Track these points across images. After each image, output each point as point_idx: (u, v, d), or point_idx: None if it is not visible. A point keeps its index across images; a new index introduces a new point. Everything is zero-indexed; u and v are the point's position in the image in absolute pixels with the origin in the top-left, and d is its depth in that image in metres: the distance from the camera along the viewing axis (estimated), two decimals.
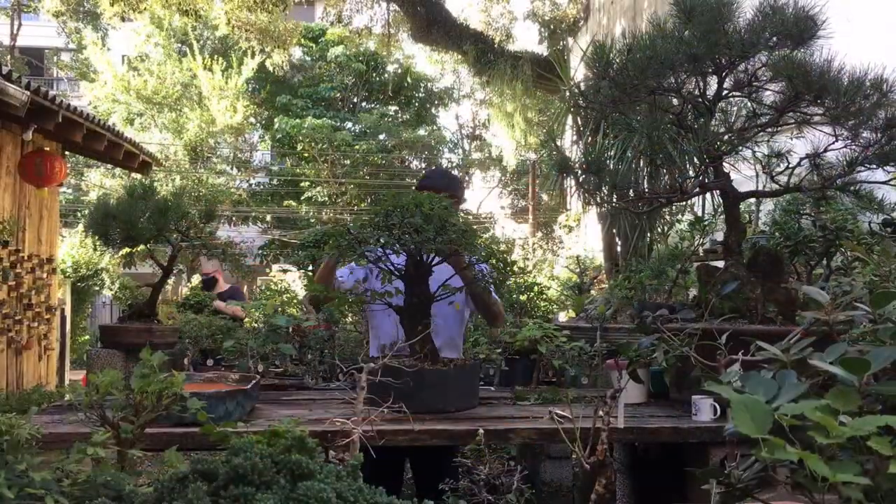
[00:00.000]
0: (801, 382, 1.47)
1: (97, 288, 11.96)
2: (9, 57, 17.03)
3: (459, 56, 11.68)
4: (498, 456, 2.19)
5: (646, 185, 4.10)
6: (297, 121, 19.48)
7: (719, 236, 3.64)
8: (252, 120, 20.48)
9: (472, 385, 2.84)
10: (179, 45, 19.60)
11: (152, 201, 3.91)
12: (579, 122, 5.79)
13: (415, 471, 3.39)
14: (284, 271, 11.54)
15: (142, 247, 4.03)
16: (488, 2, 13.38)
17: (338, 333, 3.87)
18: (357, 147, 19.87)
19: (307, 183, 20.51)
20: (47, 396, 2.86)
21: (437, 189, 3.04)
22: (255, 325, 4.88)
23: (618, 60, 2.78)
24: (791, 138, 2.90)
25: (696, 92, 2.81)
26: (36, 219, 6.96)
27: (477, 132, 24.38)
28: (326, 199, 19.92)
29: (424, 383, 2.53)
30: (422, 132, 22.27)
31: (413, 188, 3.52)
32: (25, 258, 6.62)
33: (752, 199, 4.34)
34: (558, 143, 6.18)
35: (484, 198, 23.81)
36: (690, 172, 3.08)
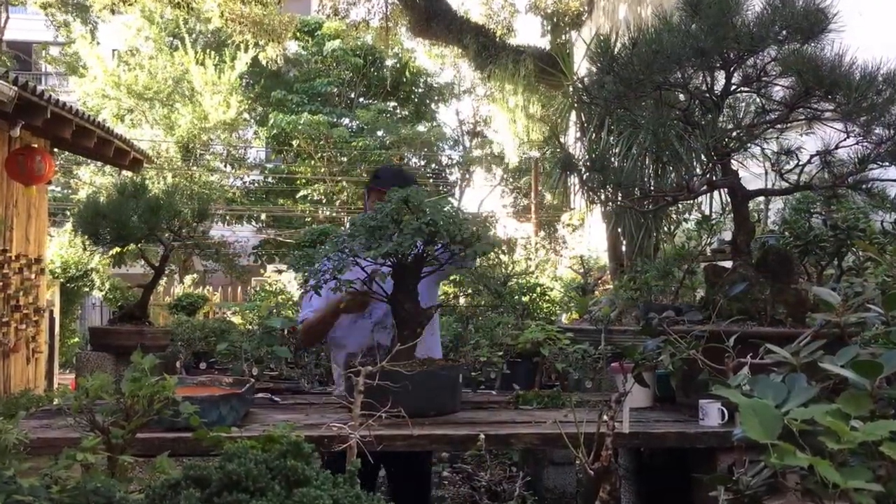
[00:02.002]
0: (811, 386, 1.47)
1: (87, 289, 11.95)
2: None
3: (460, 50, 11.68)
4: (499, 462, 2.20)
5: (651, 184, 4.09)
6: (293, 117, 19.45)
7: (727, 236, 3.65)
8: (246, 116, 20.46)
9: (453, 388, 2.79)
10: (171, 38, 19.59)
11: (143, 200, 3.91)
12: (583, 119, 5.79)
13: (389, 477, 3.35)
14: (279, 272, 11.55)
15: (133, 246, 4.04)
16: None
17: None
18: (354, 144, 19.85)
19: (303, 181, 20.51)
20: (35, 400, 2.85)
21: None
22: (250, 327, 4.89)
23: (622, 55, 2.78)
24: (801, 135, 2.90)
25: (704, 87, 2.81)
26: (24, 218, 6.96)
27: (478, 129, 24.38)
28: (323, 197, 19.93)
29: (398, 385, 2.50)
30: (421, 128, 22.24)
31: (365, 189, 3.53)
32: (13, 258, 6.62)
33: (761, 198, 4.35)
34: (561, 140, 6.19)
35: (485, 196, 23.81)
36: (697, 170, 3.08)
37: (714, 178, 2.88)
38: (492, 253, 2.81)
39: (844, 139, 2.67)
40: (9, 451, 1.71)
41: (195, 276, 15.34)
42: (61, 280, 10.91)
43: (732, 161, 2.84)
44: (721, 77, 2.78)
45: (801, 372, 1.58)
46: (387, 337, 3.01)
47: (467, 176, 24.05)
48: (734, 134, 2.79)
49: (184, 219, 4.06)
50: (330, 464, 1.87)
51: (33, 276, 7.05)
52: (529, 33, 13.87)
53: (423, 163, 22.93)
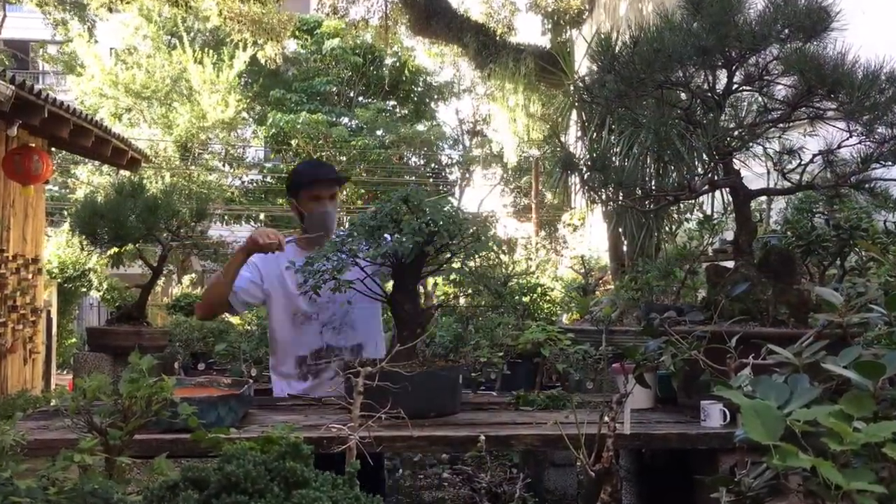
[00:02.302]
0: (813, 387, 1.47)
1: (84, 289, 11.96)
2: None
3: (460, 49, 11.68)
4: (500, 463, 2.20)
5: (653, 183, 4.10)
6: (292, 116, 19.47)
7: (729, 236, 3.65)
8: (244, 115, 20.47)
9: (453, 389, 2.80)
10: (169, 37, 19.59)
11: (141, 199, 3.92)
12: (584, 118, 5.80)
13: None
14: None
15: (130, 246, 4.04)
16: None
17: None
18: (354, 143, 19.86)
19: None
20: (33, 401, 2.86)
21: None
22: (248, 327, 4.88)
23: (624, 53, 2.78)
24: (803, 134, 2.90)
25: (705, 86, 2.81)
26: (21, 217, 6.96)
27: (478, 128, 24.38)
28: None
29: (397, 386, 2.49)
30: (421, 128, 22.26)
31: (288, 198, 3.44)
32: (10, 258, 6.62)
33: (763, 198, 4.35)
34: (562, 139, 6.19)
35: (485, 196, 23.82)
36: (699, 169, 3.08)
37: (716, 177, 2.88)
38: (492, 253, 2.79)
39: (847, 138, 2.67)
40: (6, 452, 1.71)
41: (193, 276, 15.35)
42: (59, 280, 10.92)
43: (734, 160, 2.83)
44: (723, 76, 2.78)
45: (804, 373, 1.58)
46: (337, 338, 2.98)
47: (467, 175, 24.05)
48: (736, 133, 2.79)
49: (182, 218, 4.06)
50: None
51: (30, 276, 7.05)
52: (530, 32, 13.87)
53: (422, 162, 22.93)
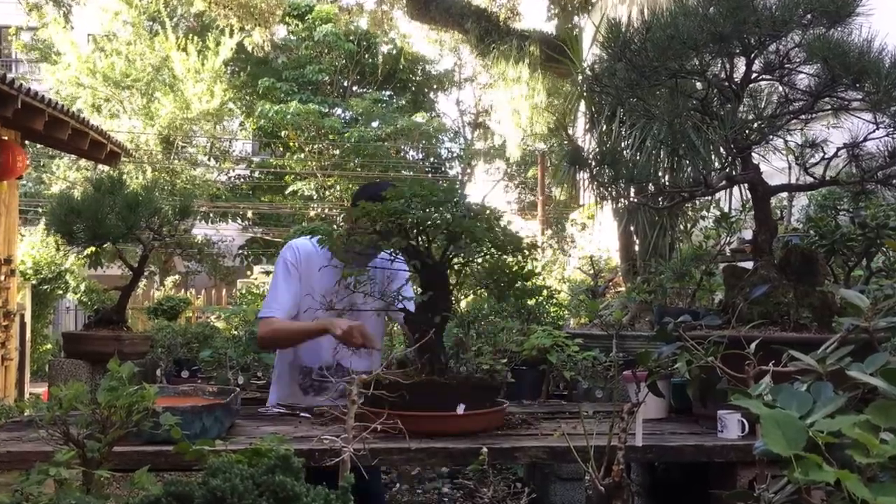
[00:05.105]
0: (838, 396, 1.47)
1: (60, 291, 11.97)
2: None
3: (460, 35, 11.70)
4: (503, 477, 2.20)
5: (666, 178, 4.10)
6: (281, 106, 19.47)
7: (748, 234, 3.65)
8: (231, 106, 20.48)
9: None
10: (150, 22, 19.61)
11: (121, 196, 3.91)
12: (592, 109, 5.80)
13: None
14: (267, 273, 11.57)
15: (109, 246, 4.04)
16: None
17: None
18: (347, 135, 19.86)
19: (292, 176, 20.52)
20: (5, 411, 2.86)
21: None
22: (235, 332, 4.89)
23: (635, 40, 2.79)
24: (827, 126, 2.90)
25: (723, 75, 2.82)
26: None
27: (480, 119, 24.39)
28: (313, 193, 19.94)
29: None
30: (419, 119, 22.27)
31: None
32: None
33: (784, 194, 4.35)
34: (570, 132, 6.20)
35: (488, 192, 23.83)
36: (716, 164, 3.08)
37: (734, 172, 2.88)
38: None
39: (873, 131, 2.67)
40: None
41: (176, 277, 15.36)
42: (33, 282, 10.92)
43: (753, 154, 2.84)
44: (741, 64, 2.78)
45: (827, 380, 1.58)
46: (350, 360, 2.90)
47: (468, 170, 24.05)
48: (755, 125, 2.79)
49: (164, 216, 4.06)
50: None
51: (3, 277, 7.05)
52: (535, 17, 13.88)
53: (421, 156, 22.94)
